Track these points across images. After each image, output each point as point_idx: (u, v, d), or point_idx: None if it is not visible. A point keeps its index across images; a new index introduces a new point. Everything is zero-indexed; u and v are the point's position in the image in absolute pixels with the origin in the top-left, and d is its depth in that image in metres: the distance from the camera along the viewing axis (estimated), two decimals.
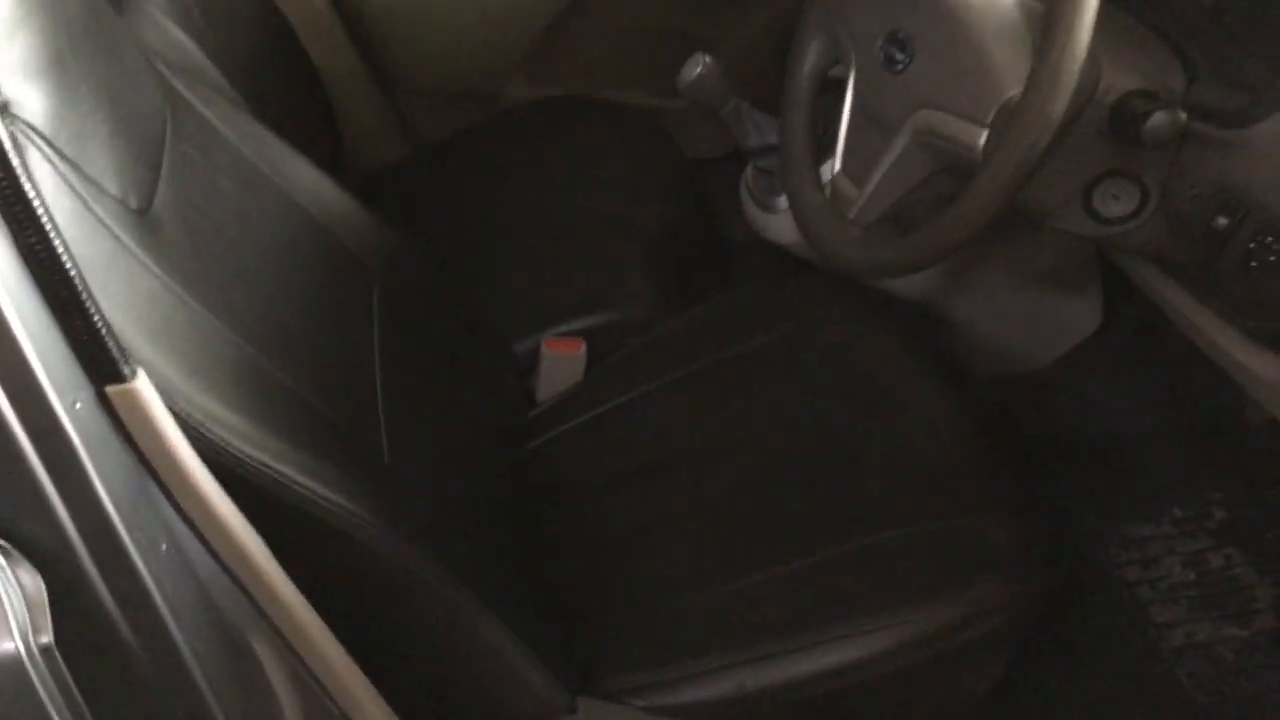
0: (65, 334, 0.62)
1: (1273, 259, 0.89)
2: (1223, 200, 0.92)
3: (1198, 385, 1.46)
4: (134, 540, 0.64)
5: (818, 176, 1.13)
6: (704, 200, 1.69)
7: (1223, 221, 0.92)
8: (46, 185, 0.70)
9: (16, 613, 0.59)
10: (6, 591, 0.59)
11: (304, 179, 1.13)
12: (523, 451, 1.29)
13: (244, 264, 0.96)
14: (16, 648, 0.60)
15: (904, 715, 1.11)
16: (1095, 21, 0.84)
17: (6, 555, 0.60)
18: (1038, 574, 1.05)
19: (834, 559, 1.07)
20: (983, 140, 0.92)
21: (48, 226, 0.61)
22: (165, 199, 0.89)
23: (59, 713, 0.62)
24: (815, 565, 1.07)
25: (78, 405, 0.62)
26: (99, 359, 0.63)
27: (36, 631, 0.60)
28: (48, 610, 0.61)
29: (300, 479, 0.80)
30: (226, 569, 0.71)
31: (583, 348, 1.36)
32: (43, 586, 0.61)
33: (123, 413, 0.65)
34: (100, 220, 0.76)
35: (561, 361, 1.35)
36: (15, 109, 0.70)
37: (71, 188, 0.74)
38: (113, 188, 0.81)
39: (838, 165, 1.09)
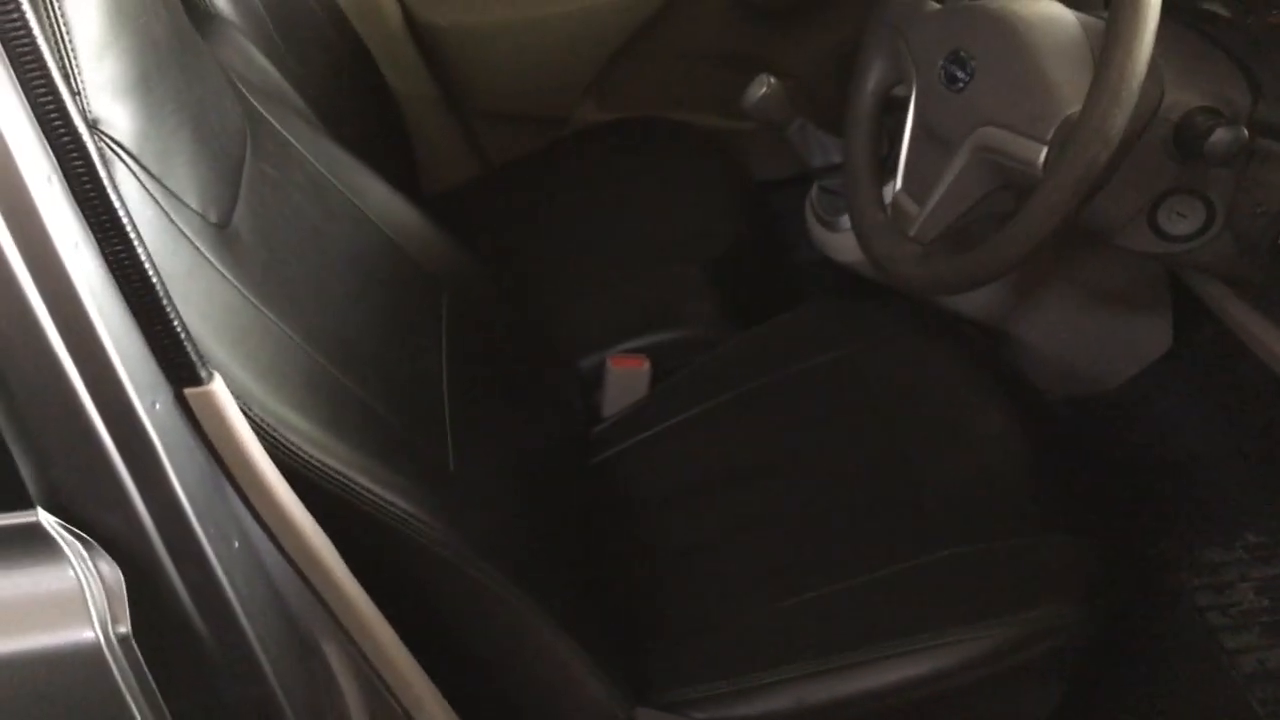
0: (146, 338, 0.65)
1: None
2: None
3: (1271, 407, 1.44)
4: (207, 535, 0.67)
5: (880, 195, 1.13)
6: (771, 221, 1.71)
7: None
8: (132, 198, 0.74)
9: (96, 602, 0.62)
10: (87, 582, 0.62)
11: (376, 196, 1.17)
12: (587, 466, 1.31)
13: (317, 277, 0.99)
14: (96, 637, 0.63)
15: None
16: (1155, 39, 0.85)
17: (87, 547, 0.63)
18: (1099, 596, 1.04)
19: (893, 576, 1.07)
20: (1043, 157, 0.92)
21: (132, 236, 0.64)
22: (243, 214, 0.92)
23: (135, 700, 0.65)
24: (874, 582, 1.07)
25: (157, 406, 0.65)
26: (177, 362, 0.66)
27: (115, 621, 0.63)
28: (126, 601, 0.64)
29: (367, 484, 0.82)
30: (295, 567, 0.74)
31: (647, 365, 1.38)
32: (121, 578, 0.64)
33: (199, 414, 0.67)
34: (181, 232, 0.80)
35: (626, 378, 1.37)
36: (104, 126, 0.74)
37: (155, 201, 0.77)
38: (194, 202, 0.84)
39: (899, 183, 1.09)
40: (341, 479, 0.80)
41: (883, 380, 1.26)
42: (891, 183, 1.13)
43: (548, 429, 1.28)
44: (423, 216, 1.22)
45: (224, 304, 0.82)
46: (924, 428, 1.20)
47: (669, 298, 1.46)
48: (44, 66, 0.61)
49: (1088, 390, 1.53)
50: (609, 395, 1.38)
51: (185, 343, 0.66)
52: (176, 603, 0.66)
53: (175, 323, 0.66)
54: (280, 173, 1.03)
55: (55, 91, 0.61)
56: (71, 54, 0.72)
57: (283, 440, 0.76)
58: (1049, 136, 0.92)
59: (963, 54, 1.01)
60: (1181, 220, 0.99)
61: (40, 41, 0.60)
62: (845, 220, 1.36)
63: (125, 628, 0.64)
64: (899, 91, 1.15)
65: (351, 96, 1.57)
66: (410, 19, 1.79)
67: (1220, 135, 0.88)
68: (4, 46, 0.59)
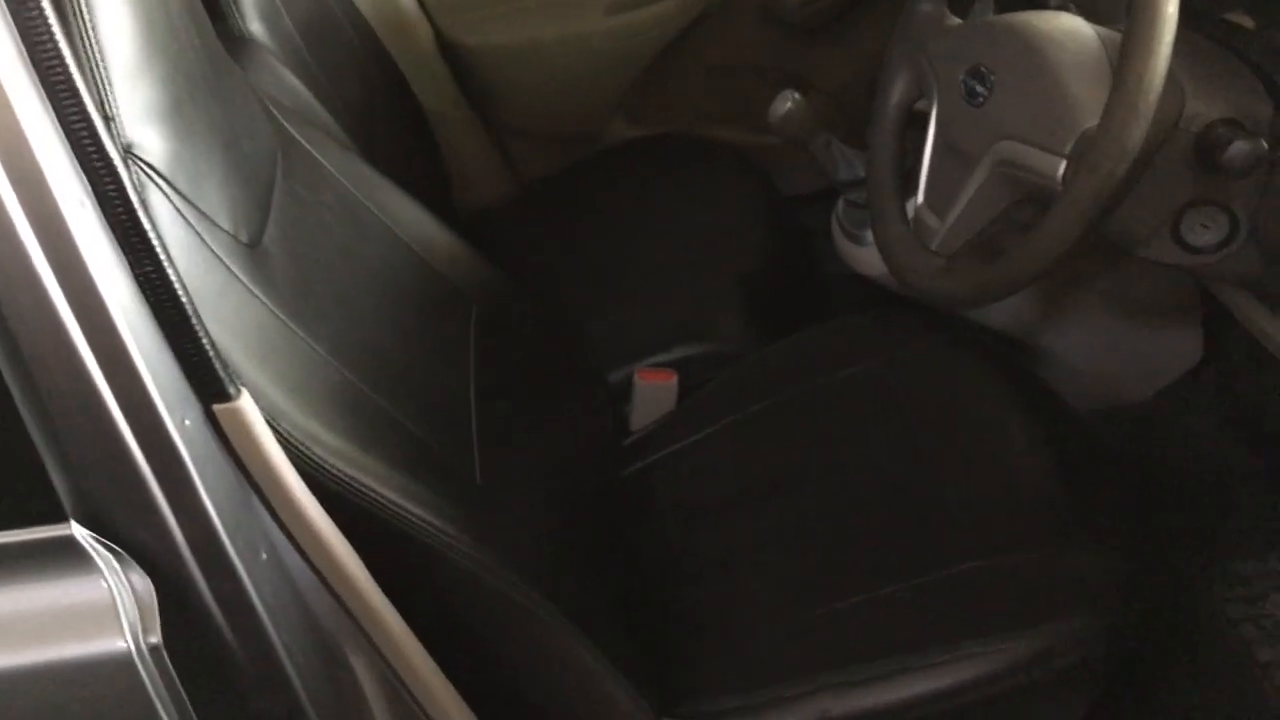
0: (176, 356, 0.67)
1: None
2: None
3: None
4: (236, 548, 0.68)
5: (903, 208, 1.14)
6: (797, 236, 1.71)
7: None
8: (164, 220, 0.76)
9: (128, 613, 0.64)
10: (119, 592, 0.64)
11: (406, 215, 1.19)
12: (616, 479, 1.32)
13: (347, 295, 1.01)
14: (128, 646, 0.65)
15: None
16: (1174, 50, 0.85)
17: (119, 559, 0.65)
18: (1126, 608, 1.03)
19: (918, 588, 1.07)
20: (1061, 170, 0.93)
21: (162, 257, 0.66)
22: (274, 234, 0.94)
23: (165, 709, 0.67)
24: (899, 594, 1.07)
25: (187, 422, 0.67)
26: (207, 379, 0.68)
27: (146, 631, 0.65)
28: (157, 611, 0.66)
29: (394, 498, 0.84)
30: (322, 579, 0.75)
31: (675, 378, 1.39)
32: (152, 589, 0.66)
33: (228, 429, 0.69)
34: (213, 253, 0.82)
35: (654, 391, 1.38)
36: (137, 150, 0.76)
37: (187, 222, 0.80)
38: (225, 223, 0.86)
39: (920, 197, 1.10)
40: (368, 492, 0.82)
41: (909, 393, 1.26)
42: (914, 197, 1.14)
43: (577, 442, 1.29)
44: (452, 234, 1.24)
45: (254, 322, 0.84)
46: (950, 440, 1.20)
47: (697, 312, 1.48)
48: (77, 93, 0.63)
49: (1116, 402, 1.52)
50: (637, 409, 1.39)
51: (214, 360, 0.68)
52: (206, 614, 0.68)
53: (204, 341, 0.68)
54: (311, 193, 1.06)
55: (88, 117, 0.63)
56: (106, 80, 0.74)
57: (310, 454, 0.78)
58: (1068, 150, 0.92)
59: (983, 69, 1.02)
60: (1205, 232, 0.99)
61: (73, 68, 0.62)
62: (870, 234, 1.37)
63: (156, 637, 0.65)
64: (921, 106, 1.15)
65: (384, 116, 1.59)
66: (441, 39, 1.81)
67: (1239, 146, 0.88)
68: (39, 74, 0.62)
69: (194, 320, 0.67)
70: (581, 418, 1.33)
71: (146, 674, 0.66)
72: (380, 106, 1.60)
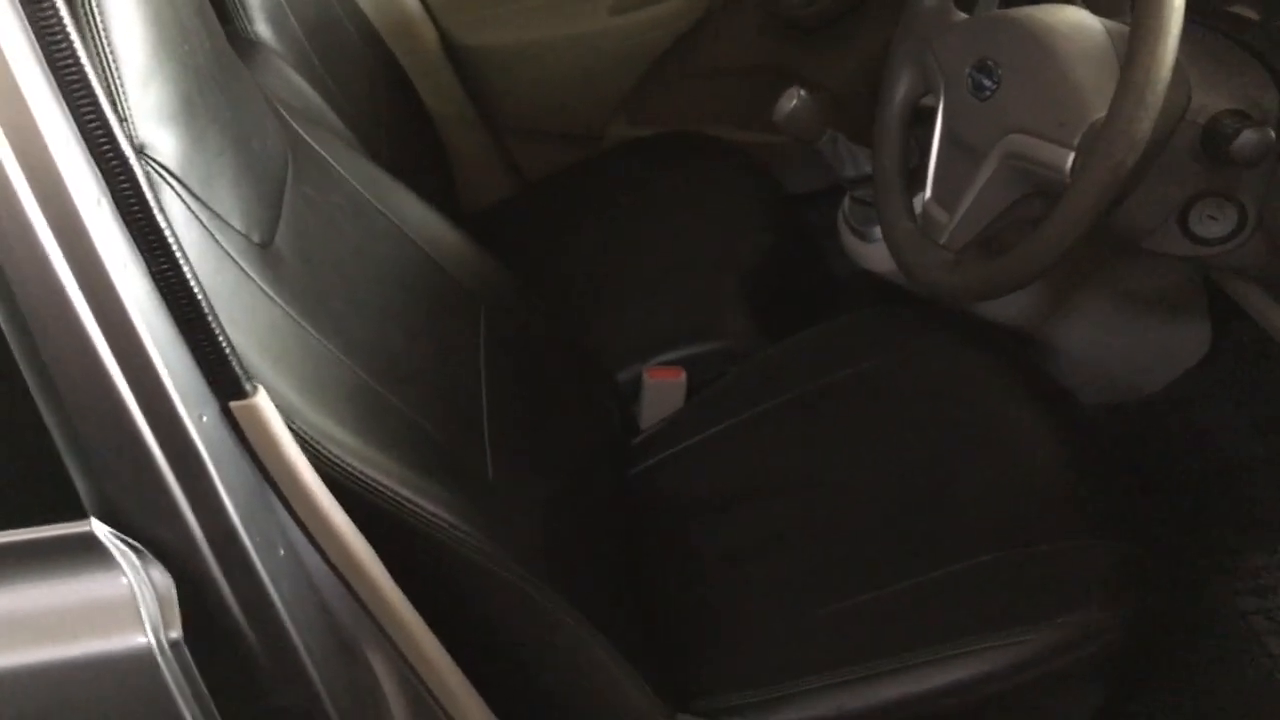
0: (193, 354, 0.68)
1: None
2: None
3: None
4: (254, 544, 0.69)
5: (910, 204, 1.14)
6: (802, 233, 1.72)
7: None
8: (177, 220, 0.76)
9: (149, 609, 0.65)
10: (140, 588, 0.64)
11: (413, 214, 1.19)
12: (626, 476, 1.33)
13: (358, 294, 1.02)
14: (149, 642, 0.66)
15: None
16: (1180, 42, 0.85)
17: (140, 555, 0.65)
18: (1139, 601, 1.04)
19: (931, 583, 1.07)
20: (1069, 162, 0.93)
21: (178, 256, 0.66)
22: (285, 234, 0.95)
23: (187, 704, 0.67)
24: (912, 588, 1.07)
25: (204, 419, 0.67)
26: (223, 376, 0.69)
27: (167, 627, 0.65)
28: (177, 607, 0.66)
29: (407, 494, 0.84)
30: (339, 574, 0.76)
31: (683, 376, 1.39)
32: (172, 585, 0.66)
33: (245, 426, 0.70)
34: (226, 253, 0.82)
35: (663, 389, 1.38)
36: (150, 151, 0.76)
37: (200, 222, 0.80)
38: (238, 223, 0.87)
39: (928, 192, 1.10)
40: (383, 489, 0.82)
41: (918, 388, 1.27)
42: (921, 193, 1.14)
43: (587, 440, 1.29)
44: (458, 233, 1.24)
45: (267, 321, 0.84)
46: (960, 434, 1.20)
47: (704, 310, 1.48)
48: (92, 94, 0.63)
49: (1124, 396, 1.52)
50: (646, 407, 1.39)
51: (230, 358, 0.69)
52: (225, 609, 0.69)
53: (220, 338, 0.68)
54: (321, 194, 1.06)
55: (103, 117, 0.64)
56: (118, 81, 0.74)
57: (325, 452, 0.78)
58: (1076, 142, 0.93)
59: (989, 62, 1.02)
60: (1213, 223, 1.00)
61: (89, 70, 0.63)
62: (878, 230, 1.37)
63: (177, 633, 0.66)
64: (927, 102, 1.16)
65: (389, 117, 1.60)
66: (445, 39, 1.82)
67: (1247, 137, 0.88)
68: (55, 75, 0.62)
69: (210, 319, 0.68)
70: (590, 415, 1.34)
71: (168, 669, 0.66)
72: (385, 107, 1.61)
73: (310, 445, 0.76)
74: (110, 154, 0.64)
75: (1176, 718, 1.27)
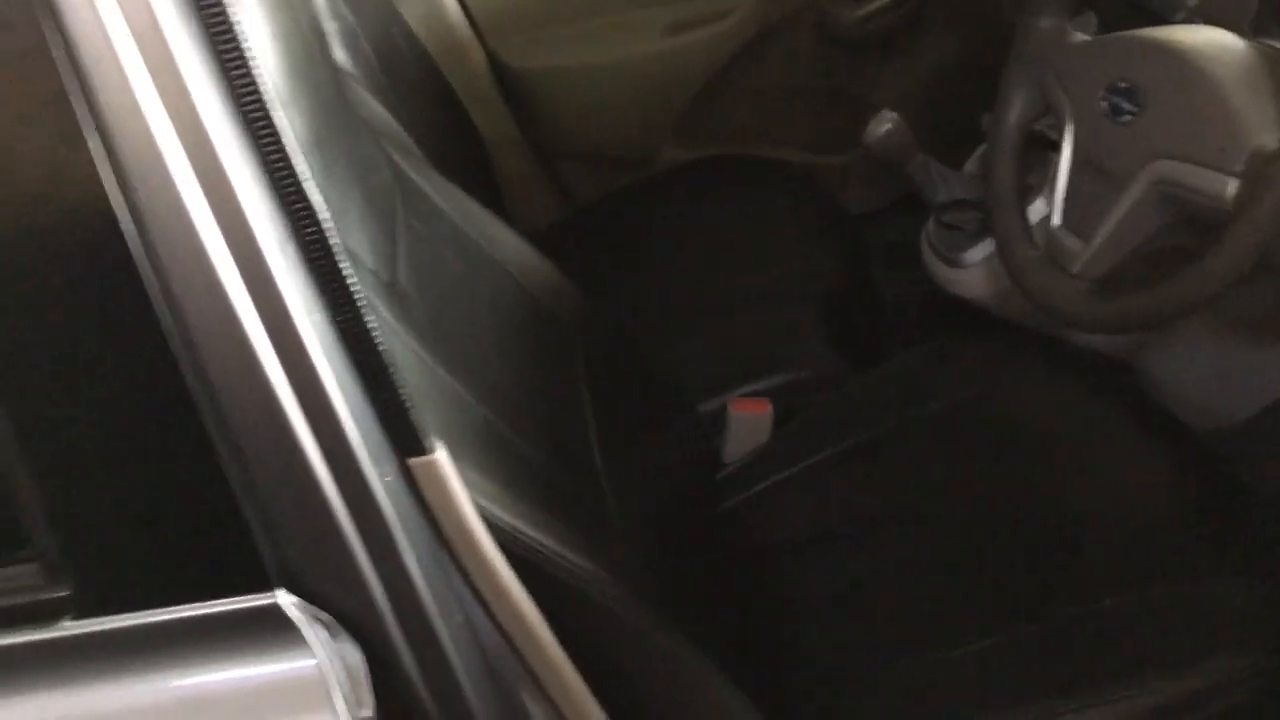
0: (374, 407, 0.63)
1: None
2: None
3: None
4: (436, 612, 0.64)
5: (1030, 229, 1.11)
6: (867, 255, 1.68)
7: None
8: None
9: (341, 686, 0.59)
10: (330, 664, 0.59)
11: (507, 244, 1.15)
12: (715, 513, 1.28)
13: (470, 331, 0.97)
14: None
15: None
16: None
17: (331, 631, 0.60)
18: None
19: (1049, 629, 1.02)
20: (1231, 189, 0.89)
21: (360, 303, 0.62)
22: (404, 270, 0.90)
23: None
24: (1027, 636, 1.02)
25: (387, 478, 0.62)
26: (404, 432, 0.64)
27: (360, 705, 0.60)
28: (368, 684, 0.61)
29: (547, 543, 0.79)
30: (508, 639, 0.70)
31: (770, 408, 1.35)
32: (362, 659, 0.61)
33: (424, 485, 0.65)
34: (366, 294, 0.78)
35: (750, 422, 1.34)
36: None
37: None
38: (368, 260, 0.82)
39: (1057, 218, 1.07)
40: (528, 540, 0.77)
41: (1021, 419, 1.23)
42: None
43: (679, 476, 1.25)
44: (547, 262, 1.20)
45: (405, 365, 0.79)
46: (1071, 468, 1.16)
47: (785, 338, 1.44)
48: (276, 133, 0.58)
49: (1212, 424, 1.49)
50: (731, 440, 1.35)
51: (410, 412, 0.64)
52: (408, 682, 0.63)
53: (401, 391, 0.63)
54: (426, 226, 1.01)
55: (286, 157, 0.59)
56: None
57: (482, 506, 0.73)
58: (1238, 169, 0.89)
59: (1126, 85, 0.99)
60: None
61: (273, 108, 0.58)
62: (969, 256, 1.34)
63: (369, 711, 0.61)
64: (1042, 126, 1.12)
65: (447, 141, 1.55)
66: (494, 61, 1.78)
67: None
68: (242, 116, 0.57)
69: (391, 370, 0.63)
70: (681, 450, 1.29)
71: None
72: (441, 131, 1.56)
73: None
74: (294, 195, 0.59)
75: None
